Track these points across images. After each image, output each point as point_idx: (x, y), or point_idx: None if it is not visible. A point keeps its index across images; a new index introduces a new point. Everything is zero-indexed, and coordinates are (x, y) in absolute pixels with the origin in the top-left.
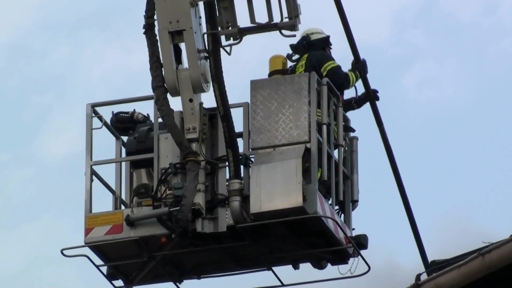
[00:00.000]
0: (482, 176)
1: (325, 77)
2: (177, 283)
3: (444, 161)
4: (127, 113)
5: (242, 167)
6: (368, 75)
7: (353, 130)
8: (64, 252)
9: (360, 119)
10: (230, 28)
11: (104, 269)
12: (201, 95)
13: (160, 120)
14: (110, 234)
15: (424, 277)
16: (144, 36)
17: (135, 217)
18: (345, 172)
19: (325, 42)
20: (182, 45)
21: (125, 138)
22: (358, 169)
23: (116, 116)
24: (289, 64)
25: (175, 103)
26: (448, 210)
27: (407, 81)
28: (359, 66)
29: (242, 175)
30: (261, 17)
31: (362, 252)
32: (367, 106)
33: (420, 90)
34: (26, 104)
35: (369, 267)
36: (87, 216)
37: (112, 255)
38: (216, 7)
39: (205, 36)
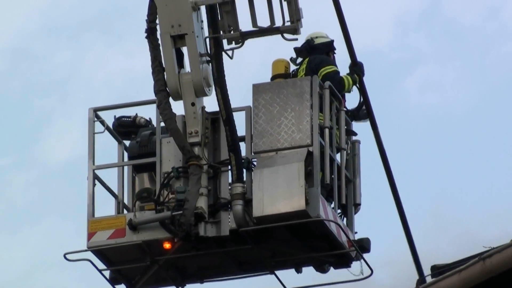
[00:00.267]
0: (484, 179)
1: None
2: (180, 287)
3: (446, 164)
4: (129, 117)
5: (244, 171)
6: (370, 79)
7: (355, 134)
8: (67, 256)
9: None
10: (232, 32)
11: (107, 273)
12: (203, 99)
13: (162, 124)
14: (112, 238)
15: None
16: (146, 40)
17: (137, 221)
18: (348, 175)
19: (328, 47)
20: (184, 49)
21: (127, 143)
22: (360, 173)
23: (118, 120)
24: (293, 67)
25: (177, 107)
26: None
27: (409, 85)
28: (357, 69)
29: (244, 179)
30: (263, 21)
31: (365, 255)
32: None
33: (422, 94)
34: (28, 107)
35: (372, 271)
36: (89, 220)
37: (115, 259)
38: (218, 11)
39: (207, 40)
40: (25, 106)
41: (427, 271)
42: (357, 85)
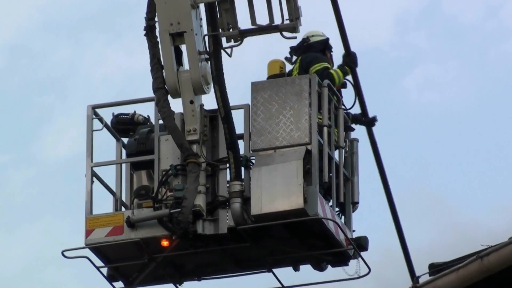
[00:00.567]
0: (483, 177)
1: None
2: (178, 285)
3: (445, 163)
4: (127, 114)
5: (243, 168)
6: (370, 77)
7: (353, 129)
8: (65, 253)
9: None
10: (231, 30)
11: (105, 270)
12: (202, 97)
13: (160, 121)
14: (110, 236)
15: (423, 279)
16: (145, 37)
17: (135, 218)
18: (346, 174)
19: (323, 45)
20: (183, 47)
21: (125, 140)
22: (358, 171)
23: (117, 118)
24: (290, 67)
25: (176, 105)
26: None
27: (409, 83)
28: (350, 59)
29: (243, 176)
30: (262, 19)
31: (363, 254)
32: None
33: (421, 92)
34: (27, 105)
35: (370, 269)
36: (87, 218)
37: (113, 256)
38: (217, 9)
39: (206, 38)
40: (24, 103)
41: (424, 269)
42: (351, 81)
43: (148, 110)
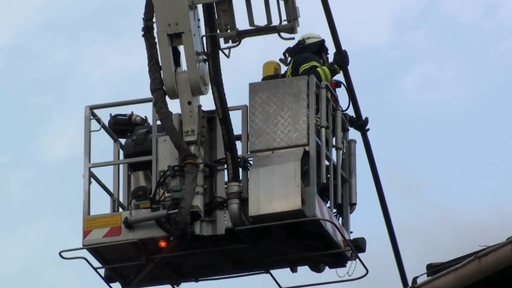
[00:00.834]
0: (482, 177)
1: None
2: (175, 286)
3: (444, 163)
4: (125, 115)
5: (240, 169)
6: (368, 77)
7: (348, 129)
8: (62, 254)
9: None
10: (229, 31)
11: (102, 271)
12: (200, 98)
13: (158, 122)
14: (108, 237)
15: (421, 280)
16: (143, 38)
17: (133, 219)
18: (343, 175)
19: (318, 46)
20: (181, 48)
21: (123, 141)
22: (356, 172)
23: (114, 119)
24: (285, 68)
25: (174, 106)
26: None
27: (407, 83)
28: (340, 58)
29: (240, 177)
30: (260, 20)
31: (360, 255)
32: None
33: (420, 92)
34: (25, 105)
35: (367, 270)
36: (85, 219)
37: (110, 257)
38: (215, 10)
39: (204, 38)
40: (23, 103)
41: (422, 269)
42: (344, 83)
43: (146, 111)
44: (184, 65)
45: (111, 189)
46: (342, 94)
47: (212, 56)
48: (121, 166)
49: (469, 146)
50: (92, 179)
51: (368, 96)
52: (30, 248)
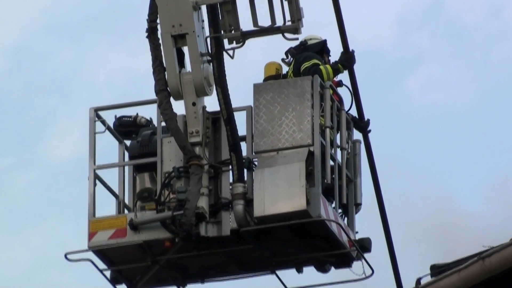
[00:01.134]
0: (487, 178)
1: None
2: (181, 287)
3: (449, 163)
4: (130, 117)
5: (245, 170)
6: (373, 78)
7: (352, 129)
8: (68, 256)
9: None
10: (233, 32)
11: (108, 273)
12: (204, 99)
13: (163, 124)
14: (113, 238)
15: (424, 281)
16: (147, 39)
17: (138, 221)
18: (348, 175)
19: (320, 46)
20: (185, 49)
21: (128, 142)
22: (361, 172)
23: (119, 120)
24: (286, 69)
25: (178, 107)
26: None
27: (412, 84)
28: (346, 58)
29: (245, 178)
30: (264, 21)
31: (366, 255)
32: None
33: (425, 93)
34: (30, 107)
35: (373, 271)
36: (90, 221)
37: (116, 259)
38: (219, 11)
39: (208, 39)
40: (27, 105)
41: (426, 270)
42: (349, 87)
43: (150, 112)
44: (188, 66)
45: (116, 190)
46: (344, 94)
47: (217, 57)
48: (126, 167)
49: (474, 147)
50: (97, 181)
51: (372, 97)
52: (35, 250)
